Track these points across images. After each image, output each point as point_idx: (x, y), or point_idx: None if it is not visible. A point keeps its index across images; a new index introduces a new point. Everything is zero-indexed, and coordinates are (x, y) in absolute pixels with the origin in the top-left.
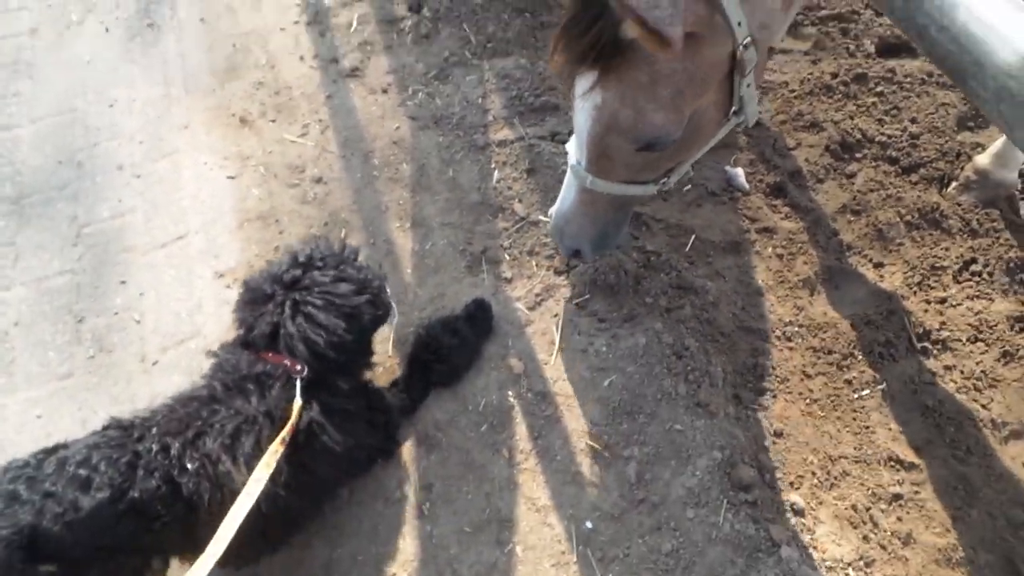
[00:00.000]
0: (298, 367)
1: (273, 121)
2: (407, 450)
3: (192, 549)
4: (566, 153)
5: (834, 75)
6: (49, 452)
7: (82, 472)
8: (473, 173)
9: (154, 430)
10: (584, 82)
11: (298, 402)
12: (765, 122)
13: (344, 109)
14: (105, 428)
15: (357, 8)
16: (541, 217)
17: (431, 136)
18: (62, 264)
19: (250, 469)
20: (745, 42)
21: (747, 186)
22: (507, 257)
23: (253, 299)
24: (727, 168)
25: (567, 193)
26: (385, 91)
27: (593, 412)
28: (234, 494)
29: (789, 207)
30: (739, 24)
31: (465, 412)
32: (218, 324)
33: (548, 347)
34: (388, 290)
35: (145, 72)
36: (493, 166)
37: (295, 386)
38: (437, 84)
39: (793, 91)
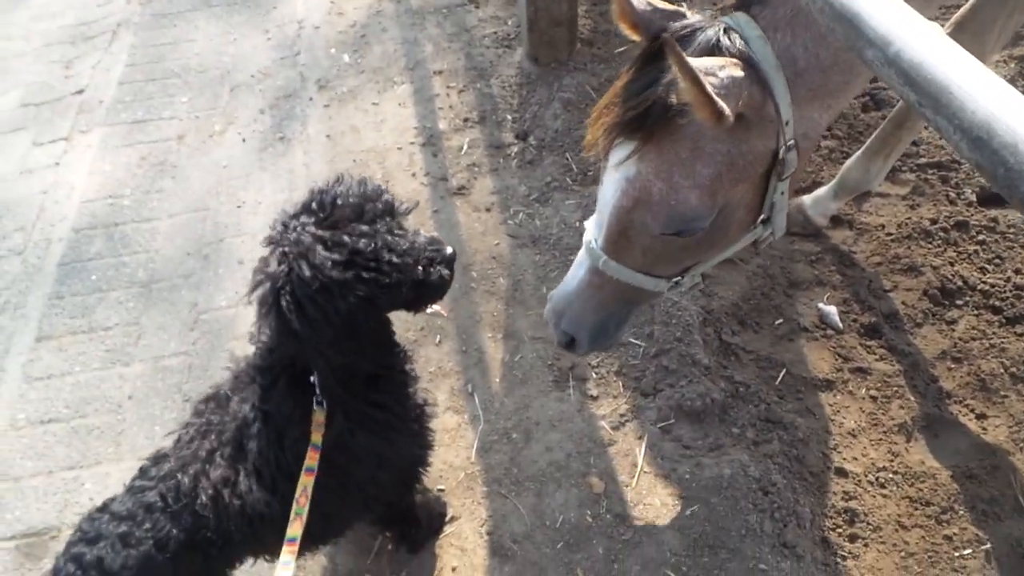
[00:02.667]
0: None
1: None
2: (480, 559)
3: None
4: None
5: (933, 221)
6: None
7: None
8: None
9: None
10: (620, 152)
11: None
12: (860, 263)
13: (449, 224)
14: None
15: (468, 134)
16: (631, 340)
17: (528, 254)
18: (178, 346)
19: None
20: (790, 143)
21: (840, 325)
22: (594, 375)
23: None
24: (820, 305)
25: (575, 272)
26: (488, 210)
27: (673, 541)
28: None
29: (885, 349)
30: (787, 123)
31: (542, 527)
32: None
33: (630, 469)
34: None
35: (273, 179)
36: None
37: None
38: (537, 206)
39: (890, 234)
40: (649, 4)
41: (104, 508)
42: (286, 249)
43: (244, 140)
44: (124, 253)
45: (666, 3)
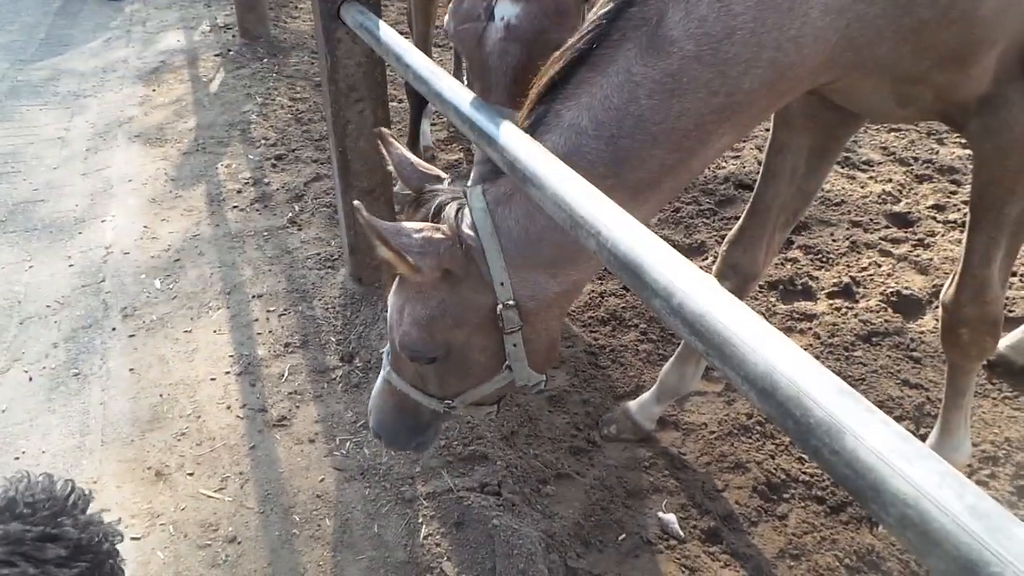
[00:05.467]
0: None
1: (191, 474)
2: None
3: None
4: (496, 506)
5: (749, 415)
6: None
7: None
8: (400, 528)
9: None
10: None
11: None
12: (691, 464)
13: (267, 460)
14: None
15: (290, 359)
16: None
17: (357, 488)
18: None
19: None
20: (508, 302)
21: (681, 532)
22: None
23: None
24: (660, 515)
25: (379, 378)
26: (312, 441)
27: None
28: None
29: (728, 554)
30: (501, 284)
31: None
32: None
33: None
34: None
35: (63, 422)
36: (421, 520)
37: None
38: (366, 433)
39: (713, 432)
40: (412, 165)
41: None
42: None
43: (31, 379)
44: None
45: (431, 167)
